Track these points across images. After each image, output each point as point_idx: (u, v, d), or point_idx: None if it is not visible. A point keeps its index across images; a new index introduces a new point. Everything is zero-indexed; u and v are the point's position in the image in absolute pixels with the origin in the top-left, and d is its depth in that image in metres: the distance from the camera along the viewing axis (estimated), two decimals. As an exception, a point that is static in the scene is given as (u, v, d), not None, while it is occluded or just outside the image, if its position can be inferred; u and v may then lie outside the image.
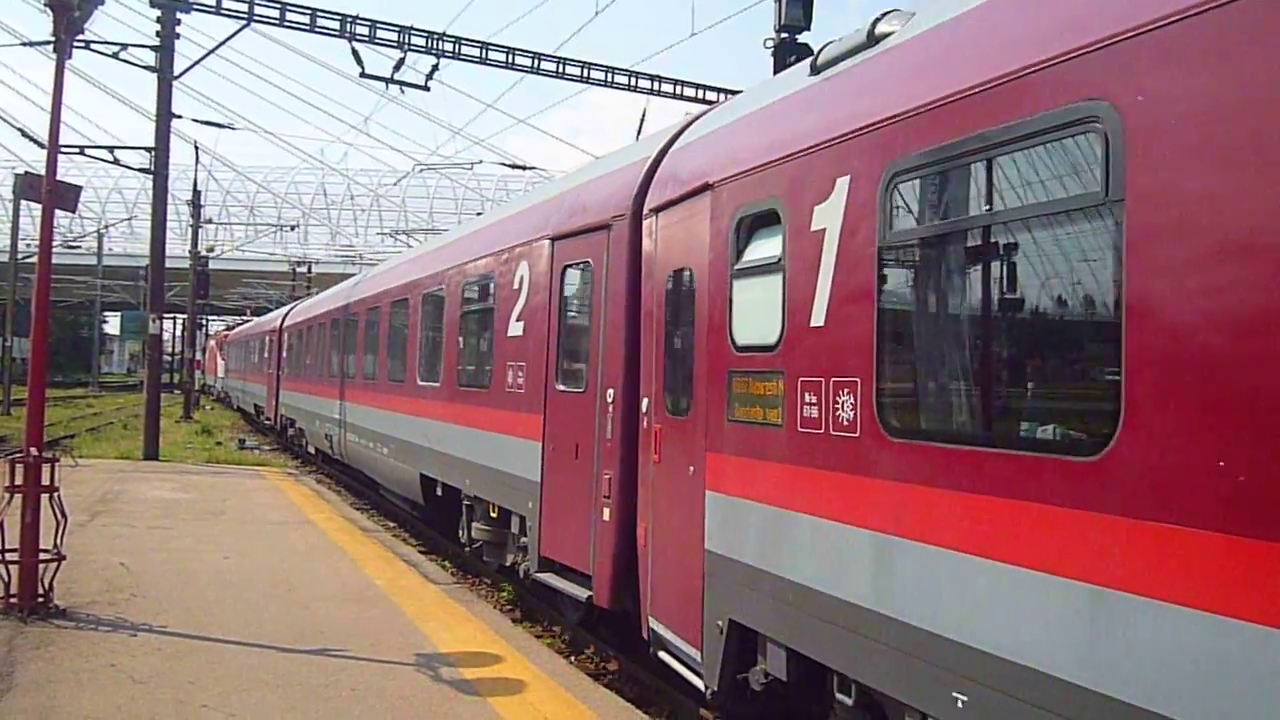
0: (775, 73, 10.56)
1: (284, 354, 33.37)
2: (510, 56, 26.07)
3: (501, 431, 11.45)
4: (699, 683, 7.25)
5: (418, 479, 15.20)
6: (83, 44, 21.96)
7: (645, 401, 8.26)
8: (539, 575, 10.16)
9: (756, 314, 6.58)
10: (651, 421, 8.08)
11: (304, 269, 71.21)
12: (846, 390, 5.58)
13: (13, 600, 8.99)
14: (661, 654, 8.01)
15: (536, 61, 26.40)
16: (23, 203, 39.61)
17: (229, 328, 73.87)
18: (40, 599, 9.07)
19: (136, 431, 28.87)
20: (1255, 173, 3.52)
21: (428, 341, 15.34)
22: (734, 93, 20.47)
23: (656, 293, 8.18)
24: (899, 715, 5.24)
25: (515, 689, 7.51)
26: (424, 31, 24.88)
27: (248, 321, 62.50)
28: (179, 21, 24.22)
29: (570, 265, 10.06)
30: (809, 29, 15.11)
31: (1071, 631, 4.07)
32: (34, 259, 10.99)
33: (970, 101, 4.77)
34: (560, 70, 26.62)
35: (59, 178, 9.96)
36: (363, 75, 24.70)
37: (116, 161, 25.58)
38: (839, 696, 5.86)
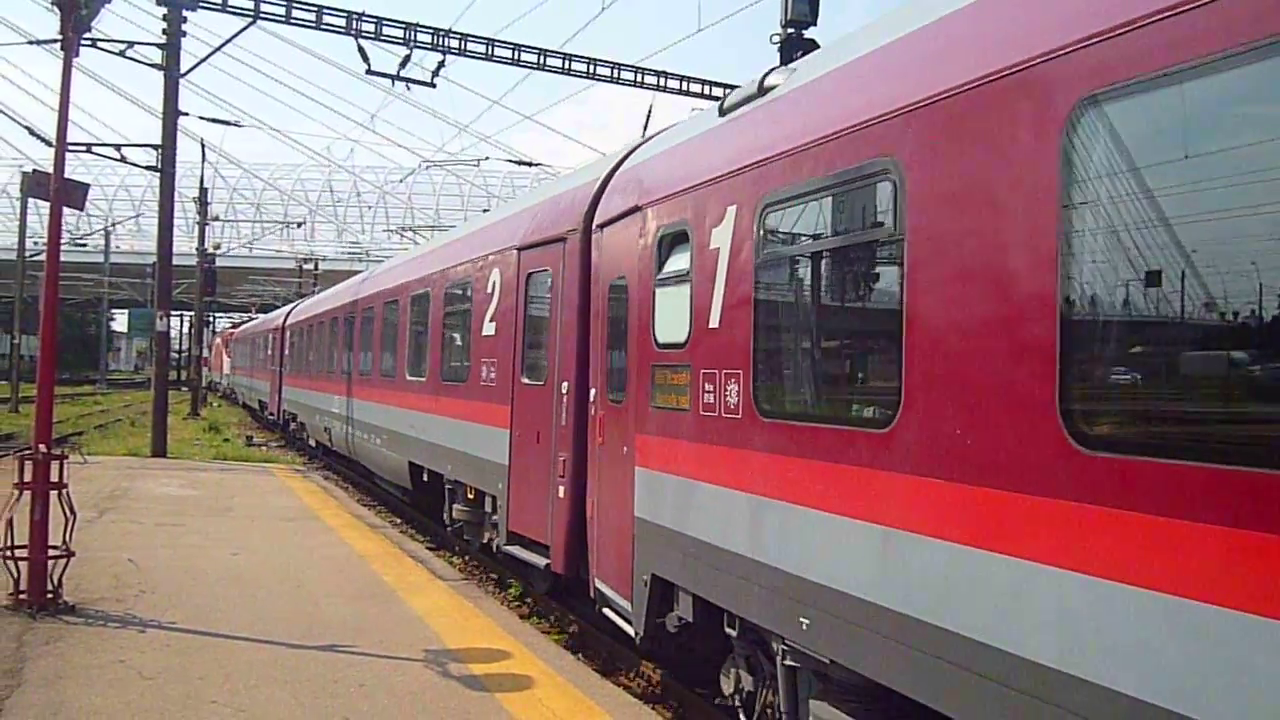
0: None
1: (286, 351, 34.71)
2: (516, 53, 26.08)
3: (477, 421, 12.68)
4: (630, 629, 8.35)
5: (407, 466, 16.28)
6: (90, 42, 22.04)
7: (593, 392, 9.46)
8: (507, 548, 11.33)
9: (672, 316, 7.72)
10: (597, 409, 9.29)
11: (311, 266, 71.32)
12: (733, 380, 6.79)
13: (22, 596, 9.01)
14: (605, 610, 9.05)
15: (542, 58, 26.41)
16: (30, 200, 39.76)
17: (234, 325, 74.47)
18: (49, 595, 9.09)
19: (144, 428, 28.97)
20: (973, 219, 4.79)
21: (415, 340, 16.63)
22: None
23: (601, 297, 9.39)
24: (768, 641, 6.56)
25: (524, 685, 7.51)
26: (430, 28, 24.91)
27: (253, 319, 63.03)
28: (185, 19, 24.26)
29: (533, 272, 11.26)
30: (815, 24, 15.07)
31: (870, 563, 5.32)
32: (42, 257, 11.01)
33: (811, 152, 6.03)
34: (566, 66, 26.64)
35: (66, 175, 9.98)
36: (369, 72, 24.74)
37: (123, 159, 25.61)
38: (728, 631, 7.07)
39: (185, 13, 24.10)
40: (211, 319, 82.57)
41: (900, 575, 5.09)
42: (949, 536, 4.77)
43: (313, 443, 28.67)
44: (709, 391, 7.08)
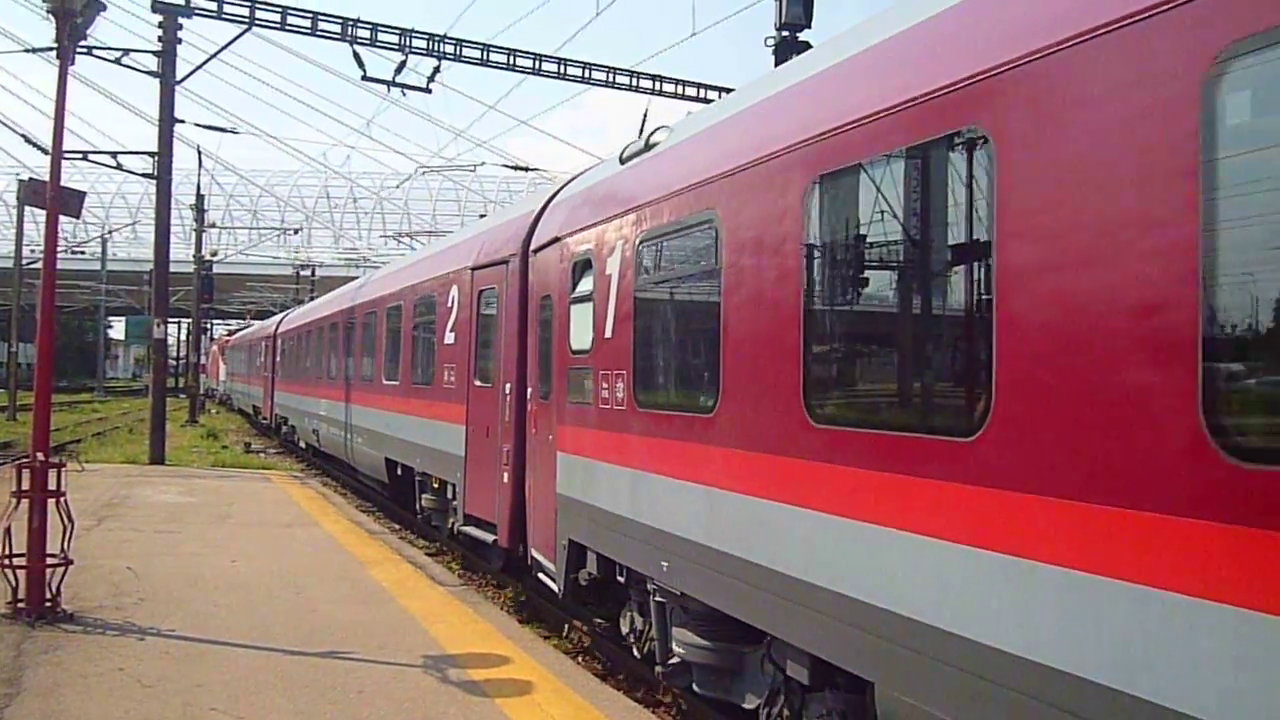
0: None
1: (277, 359, 36.37)
2: (511, 58, 26.08)
3: (439, 419, 14.43)
4: (555, 587, 10.05)
5: (384, 462, 18.06)
6: (85, 50, 21.99)
7: (529, 391, 11.13)
8: (463, 528, 13.15)
9: (582, 328, 9.24)
10: (532, 405, 10.99)
11: (308, 272, 71.30)
12: (620, 379, 8.37)
13: (20, 605, 9.00)
14: (539, 574, 10.81)
15: (538, 62, 26.41)
16: (27, 208, 39.72)
17: (230, 333, 74.87)
18: (48, 604, 9.09)
19: (142, 436, 28.95)
20: (760, 258, 6.34)
21: (390, 348, 18.30)
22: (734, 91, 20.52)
23: (534, 312, 11.02)
24: (642, 583, 8.25)
25: (523, 690, 7.51)
26: (425, 34, 24.90)
27: (249, 325, 63.45)
28: (180, 26, 24.22)
29: (483, 289, 12.97)
30: (809, 26, 15.13)
31: (701, 515, 6.92)
32: (38, 265, 11.01)
33: (668, 201, 7.63)
34: (561, 71, 26.63)
35: (63, 183, 9.98)
36: (364, 78, 24.73)
37: (120, 167, 25.67)
38: (619, 579, 8.77)
39: (180, 20, 24.07)
40: (209, 326, 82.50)
41: (719, 523, 6.72)
42: (749, 492, 6.35)
43: (303, 445, 30.15)
44: (604, 388, 8.71)
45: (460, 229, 19.39)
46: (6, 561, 9.00)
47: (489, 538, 12.12)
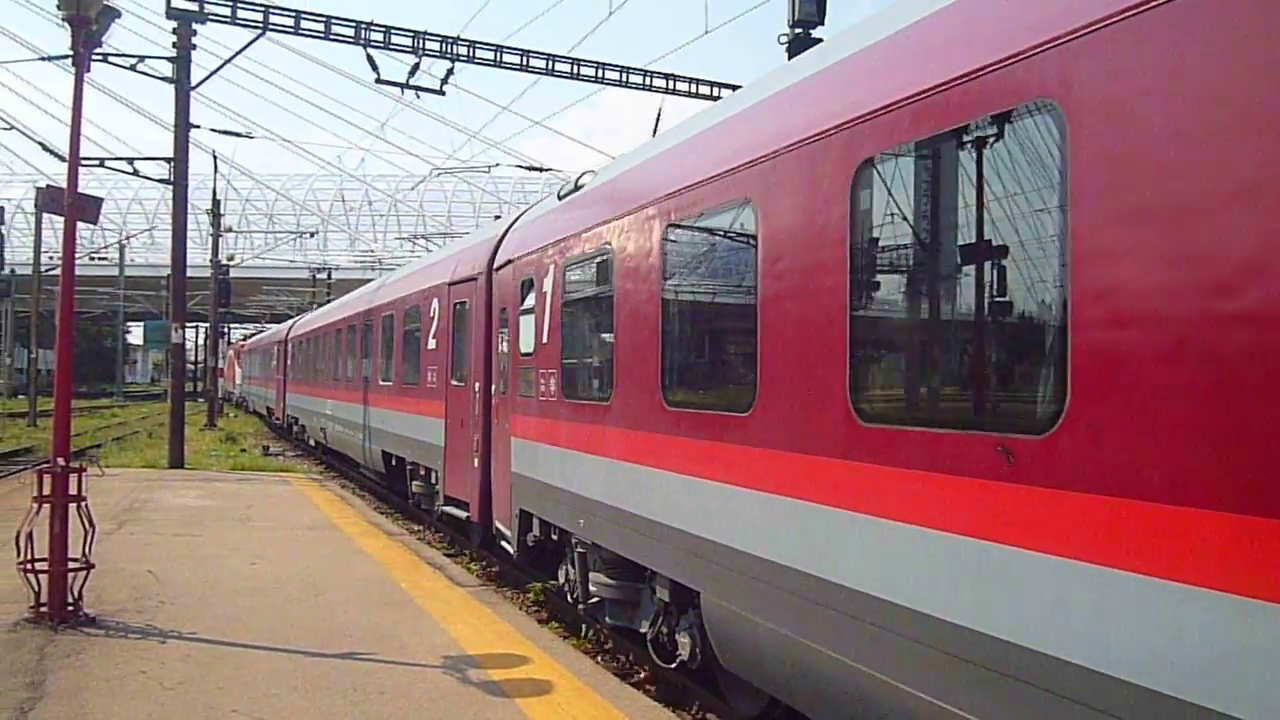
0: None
1: (288, 363, 38.92)
2: (525, 59, 26.13)
3: (424, 414, 16.56)
4: (510, 549, 12.23)
5: (380, 455, 20.48)
6: (101, 57, 22.14)
7: (493, 387, 13.20)
8: (444, 508, 15.41)
9: (528, 335, 11.29)
10: (495, 400, 13.04)
11: (324, 275, 71.54)
12: (553, 376, 10.39)
13: (43, 609, 9.05)
14: (502, 542, 12.83)
15: (551, 63, 26.45)
16: (45, 215, 39.98)
17: (245, 337, 75.78)
18: (70, 607, 9.14)
19: (161, 440, 29.10)
20: (636, 282, 8.32)
21: (385, 353, 20.51)
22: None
23: (497, 321, 13.08)
24: (569, 539, 10.45)
25: (543, 690, 7.51)
26: (438, 36, 24.98)
27: (265, 330, 64.30)
28: (195, 32, 24.32)
29: (458, 301, 14.98)
30: (823, 23, 15.06)
31: (604, 481, 8.86)
32: (57, 271, 11.07)
33: (582, 235, 9.64)
34: (575, 71, 26.66)
35: (80, 190, 10.04)
36: (378, 81, 24.82)
37: (136, 173, 25.78)
38: (553, 537, 10.90)
39: (195, 26, 24.18)
40: (226, 330, 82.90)
41: (614, 486, 8.71)
42: (630, 460, 8.35)
43: (312, 442, 32.50)
44: (543, 384, 10.71)
45: (440, 248, 22.53)
46: (29, 566, 9.04)
47: (463, 515, 14.35)
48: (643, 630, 9.12)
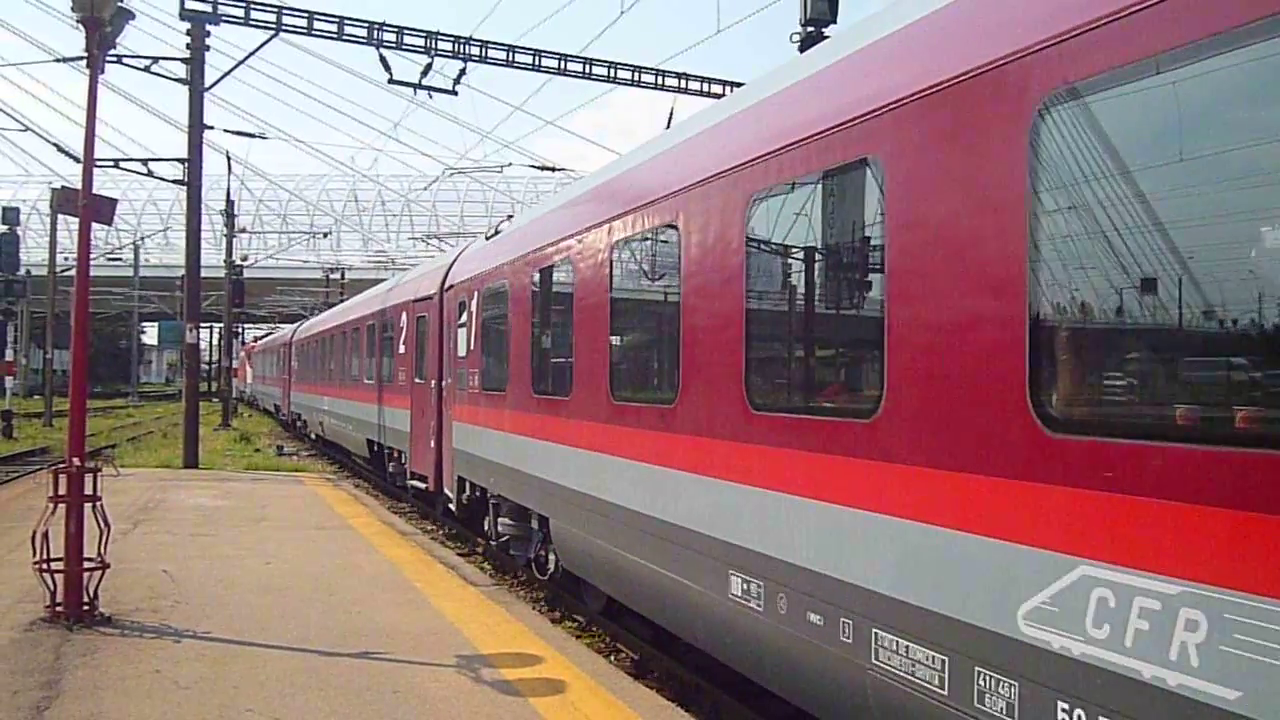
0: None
1: (292, 363, 42.95)
2: (537, 58, 26.15)
3: (397, 407, 20.39)
4: (454, 508, 15.74)
5: (365, 442, 24.58)
6: (115, 59, 22.24)
7: (444, 383, 16.44)
8: (410, 482, 19.03)
9: (463, 343, 14.92)
10: (445, 393, 16.27)
11: (337, 275, 71.70)
12: (477, 374, 13.91)
13: (59, 609, 9.09)
14: (449, 505, 16.09)
15: (563, 63, 26.46)
16: (61, 216, 40.16)
17: (256, 338, 76.94)
18: (85, 607, 9.17)
19: (176, 440, 29.23)
20: (519, 314, 11.93)
21: (367, 356, 24.59)
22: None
23: (446, 332, 16.35)
24: (488, 495, 13.45)
25: (557, 689, 7.51)
26: (451, 36, 25.02)
27: (278, 329, 65.53)
28: (209, 34, 24.42)
29: (420, 315, 18.47)
30: (835, 21, 15.03)
31: (503, 448, 12.31)
32: (72, 272, 11.12)
33: (492, 270, 13.03)
34: (587, 71, 26.67)
35: (95, 191, 10.07)
36: (391, 81, 24.89)
37: (150, 174, 25.86)
38: (476, 493, 14.31)
39: (208, 27, 24.27)
40: (241, 330, 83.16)
41: (509, 452, 12.04)
42: (516, 432, 11.75)
43: (313, 435, 36.24)
44: (471, 380, 14.36)
45: (410, 269, 26.66)
46: (44, 566, 9.08)
47: (424, 486, 17.82)
48: (530, 556, 12.57)
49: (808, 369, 6.48)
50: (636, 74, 27.37)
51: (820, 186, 6.05)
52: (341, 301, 45.72)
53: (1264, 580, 3.33)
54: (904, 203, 5.11)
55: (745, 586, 6.63)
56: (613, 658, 9.66)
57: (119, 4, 10.35)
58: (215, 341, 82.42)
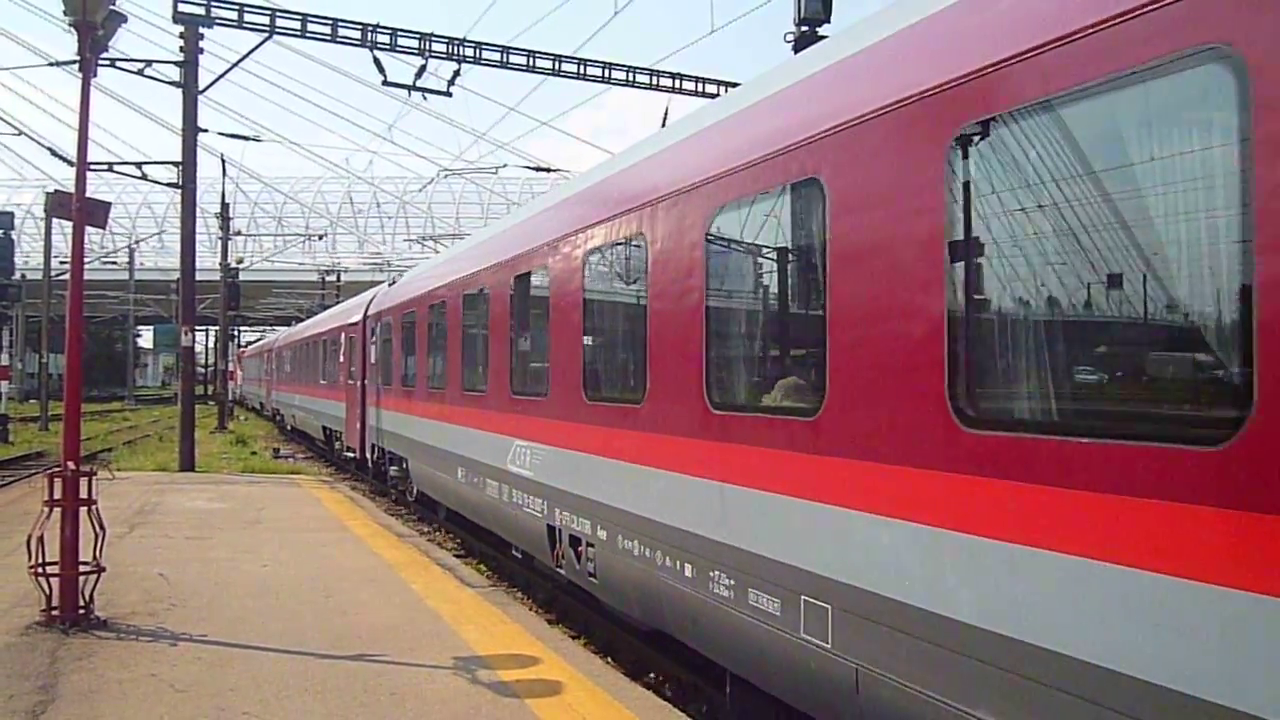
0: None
1: (274, 367, 49.39)
2: (531, 59, 26.14)
3: (337, 400, 27.52)
4: (369, 467, 23.18)
5: (321, 429, 31.63)
6: (108, 62, 22.22)
7: (366, 383, 22.54)
8: (345, 453, 25.98)
9: (374, 355, 22.26)
10: (368, 388, 22.43)
11: (333, 278, 71.65)
12: (381, 373, 21.57)
13: (55, 613, 9.08)
14: (368, 465, 22.89)
15: (557, 63, 26.46)
16: (54, 220, 40.10)
17: (249, 343, 78.27)
18: (81, 611, 9.16)
19: (172, 443, 29.16)
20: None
21: (321, 362, 31.62)
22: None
23: (369, 348, 22.28)
24: (398, 460, 20.00)
25: (553, 690, 7.51)
26: (444, 38, 24.99)
27: (271, 331, 66.83)
28: (202, 36, 24.40)
29: (351, 335, 25.14)
30: (829, 20, 15.03)
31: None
32: (67, 276, 11.11)
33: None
34: (581, 71, 26.67)
35: (89, 194, 10.06)
36: (385, 83, 24.88)
37: (145, 177, 25.83)
38: (387, 455, 21.14)
39: (202, 30, 24.25)
40: (236, 333, 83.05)
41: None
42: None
43: (289, 428, 42.24)
44: (380, 379, 21.23)
45: (347, 300, 34.97)
46: (40, 569, 9.07)
47: (353, 455, 24.68)
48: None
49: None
50: (631, 74, 27.38)
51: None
52: (339, 303, 45.97)
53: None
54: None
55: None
56: (609, 658, 9.66)
57: (111, 7, 10.33)
58: (211, 345, 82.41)
